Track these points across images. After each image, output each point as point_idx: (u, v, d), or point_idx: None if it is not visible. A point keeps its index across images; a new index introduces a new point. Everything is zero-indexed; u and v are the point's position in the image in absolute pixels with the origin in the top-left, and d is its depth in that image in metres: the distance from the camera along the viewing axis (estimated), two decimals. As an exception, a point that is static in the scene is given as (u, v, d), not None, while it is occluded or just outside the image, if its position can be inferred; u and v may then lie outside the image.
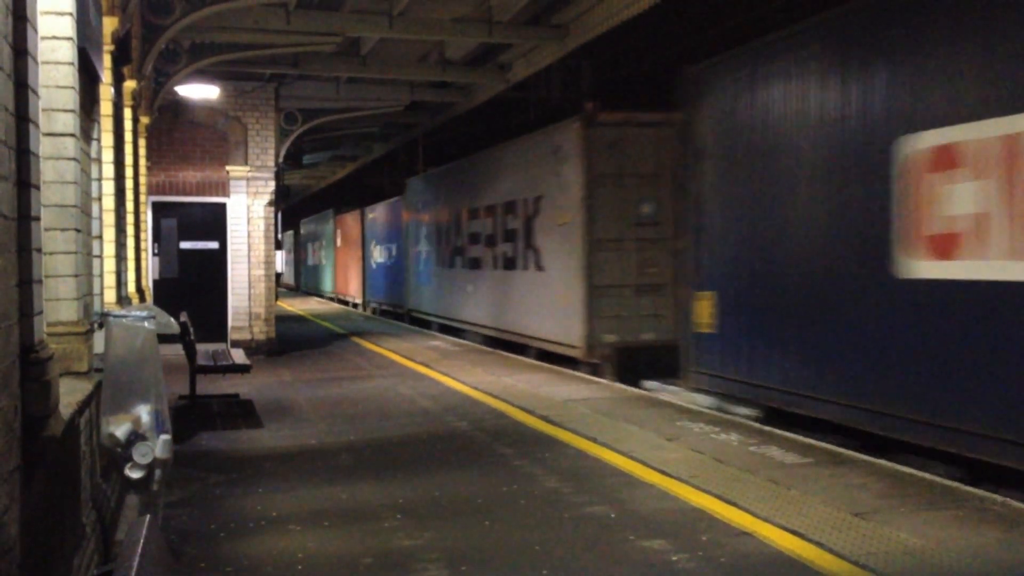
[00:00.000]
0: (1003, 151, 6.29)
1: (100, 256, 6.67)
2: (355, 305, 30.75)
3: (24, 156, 3.19)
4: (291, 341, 17.71)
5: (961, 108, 6.69)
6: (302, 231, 46.06)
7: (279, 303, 26.83)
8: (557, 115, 15.89)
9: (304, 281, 45.22)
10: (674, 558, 5.01)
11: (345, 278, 33.11)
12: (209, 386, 11.27)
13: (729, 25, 16.54)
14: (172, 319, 5.87)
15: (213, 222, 15.48)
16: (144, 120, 11.17)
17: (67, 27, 4.38)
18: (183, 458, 7.43)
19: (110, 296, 7.16)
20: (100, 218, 6.67)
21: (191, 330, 9.86)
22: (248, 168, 15.53)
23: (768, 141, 8.95)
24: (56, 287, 4.47)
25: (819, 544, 5.14)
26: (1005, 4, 6.43)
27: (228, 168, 15.45)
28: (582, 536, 5.45)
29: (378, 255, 27.56)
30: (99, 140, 6.67)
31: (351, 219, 31.62)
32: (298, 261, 48.82)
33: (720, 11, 16.75)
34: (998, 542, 5.15)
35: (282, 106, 16.36)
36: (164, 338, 5.75)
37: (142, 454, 5.05)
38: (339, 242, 34.06)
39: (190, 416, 9.68)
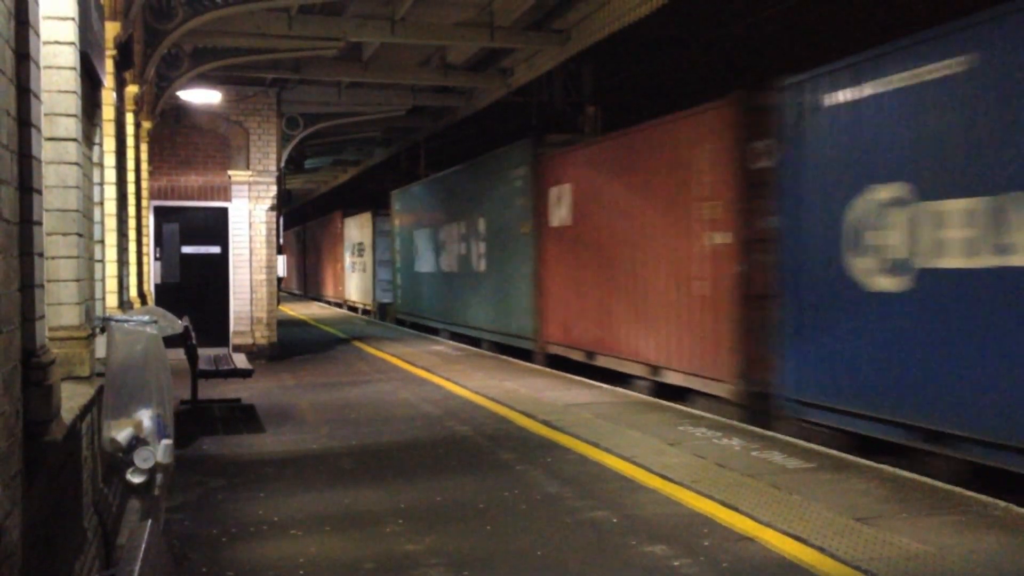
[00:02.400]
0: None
1: (102, 260, 6.67)
2: (668, 389, 11.25)
3: (26, 160, 3.19)
4: (293, 345, 17.71)
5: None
6: (398, 213, 25.06)
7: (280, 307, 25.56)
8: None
9: (404, 300, 24.75)
10: (676, 563, 5.00)
11: (581, 308, 13.70)
12: (211, 391, 11.27)
13: (729, 29, 16.55)
14: (176, 318, 5.87)
15: (215, 226, 15.50)
16: (146, 125, 11.19)
17: (69, 32, 4.39)
18: (185, 463, 7.43)
19: (112, 301, 7.16)
20: (102, 222, 6.67)
21: (193, 334, 9.86)
22: (250, 173, 15.54)
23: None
24: (58, 291, 4.48)
25: (821, 549, 5.13)
26: None
27: (230, 172, 15.47)
28: (584, 541, 5.44)
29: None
30: (101, 144, 6.68)
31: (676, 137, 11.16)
32: (376, 262, 28.31)
33: (720, 17, 16.76)
34: (1000, 547, 5.14)
35: (284, 111, 16.39)
36: (166, 342, 5.75)
37: (144, 459, 5.05)
38: (563, 214, 14.22)
39: (192, 421, 9.67)
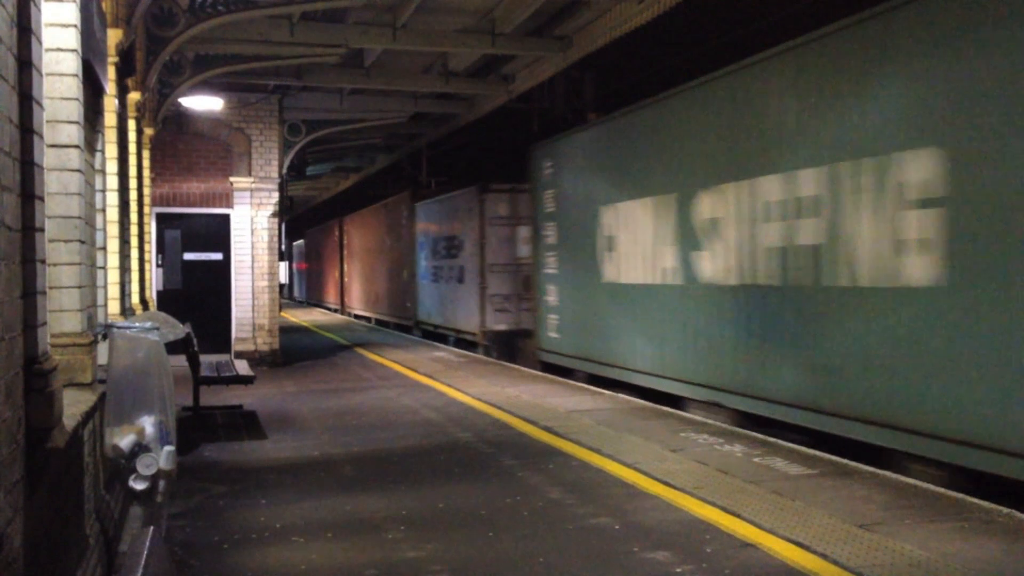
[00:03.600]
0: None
1: (104, 267, 6.68)
2: None
3: (28, 168, 3.20)
4: (295, 352, 17.71)
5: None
6: (555, 180, 14.64)
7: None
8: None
9: (570, 333, 14.17)
10: (678, 570, 4.99)
11: None
12: (213, 397, 11.27)
13: (729, 37, 16.56)
14: (178, 323, 5.88)
15: (217, 233, 15.51)
16: (148, 131, 11.20)
17: (71, 39, 4.40)
18: (186, 470, 7.42)
19: (114, 307, 7.17)
20: (104, 229, 6.68)
21: (195, 341, 9.87)
22: (252, 179, 15.57)
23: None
24: (60, 298, 4.48)
25: (823, 556, 5.12)
26: None
27: (232, 179, 15.49)
28: (586, 547, 5.43)
29: None
30: (103, 151, 6.70)
31: None
32: (487, 267, 18.22)
33: (720, 23, 16.78)
34: (1003, 554, 5.12)
35: (286, 117, 16.41)
36: (167, 349, 5.75)
37: (146, 465, 5.05)
38: None
39: (194, 427, 9.67)
